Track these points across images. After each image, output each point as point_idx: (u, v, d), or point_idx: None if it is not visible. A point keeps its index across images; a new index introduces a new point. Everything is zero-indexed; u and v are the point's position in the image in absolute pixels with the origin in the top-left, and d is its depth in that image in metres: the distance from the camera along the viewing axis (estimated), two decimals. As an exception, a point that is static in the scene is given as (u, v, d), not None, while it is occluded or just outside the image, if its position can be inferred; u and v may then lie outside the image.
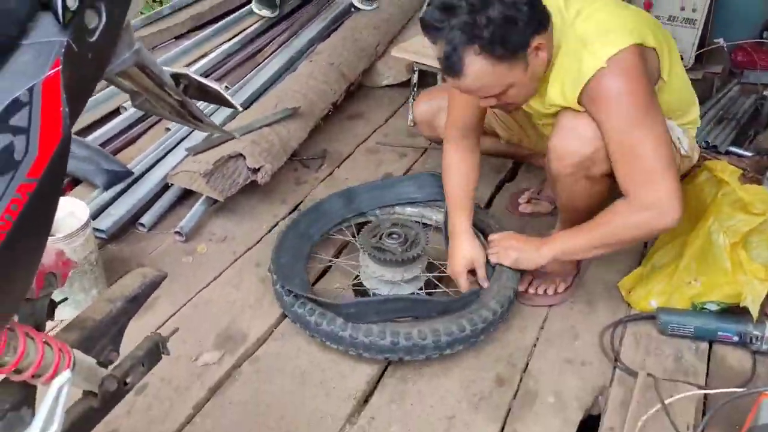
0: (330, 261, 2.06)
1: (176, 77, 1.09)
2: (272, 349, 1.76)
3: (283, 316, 1.85)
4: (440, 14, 1.45)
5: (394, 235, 1.88)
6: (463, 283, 1.84)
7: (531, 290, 1.89)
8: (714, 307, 1.75)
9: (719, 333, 1.74)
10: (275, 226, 2.22)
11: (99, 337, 1.00)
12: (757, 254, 1.74)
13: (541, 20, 1.50)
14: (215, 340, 1.77)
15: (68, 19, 0.70)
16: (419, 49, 2.80)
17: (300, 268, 1.91)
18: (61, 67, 0.69)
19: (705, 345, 1.77)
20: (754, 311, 1.66)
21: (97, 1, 0.75)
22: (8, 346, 0.79)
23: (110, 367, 1.02)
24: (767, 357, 1.73)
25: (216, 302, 1.90)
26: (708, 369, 1.71)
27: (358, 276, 1.96)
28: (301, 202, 2.35)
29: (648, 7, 3.00)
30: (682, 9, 2.87)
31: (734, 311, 1.73)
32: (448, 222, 1.92)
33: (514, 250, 1.79)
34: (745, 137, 2.72)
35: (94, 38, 0.75)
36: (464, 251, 1.84)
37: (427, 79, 2.99)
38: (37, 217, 0.69)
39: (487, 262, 1.84)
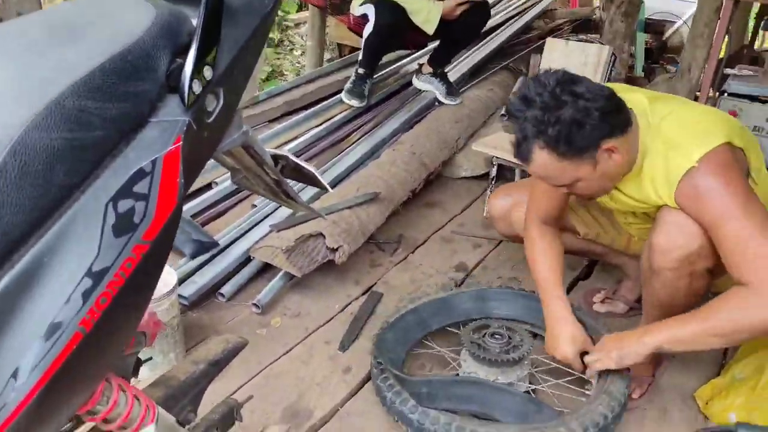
0: (437, 350, 2.00)
1: (275, 158, 1.17)
2: (337, 429, 1.77)
3: (350, 395, 1.87)
4: (520, 104, 1.57)
5: (497, 336, 1.86)
6: (577, 365, 1.77)
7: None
8: (799, 428, 1.65)
9: (803, 455, 1.63)
10: (348, 305, 2.27)
11: (181, 396, 1.04)
12: None
13: (616, 125, 1.56)
14: (282, 413, 1.80)
15: (192, 102, 0.78)
16: (499, 144, 2.88)
17: (401, 350, 1.92)
18: (181, 143, 0.77)
19: (788, 467, 1.66)
20: (844, 436, 1.56)
21: (217, 87, 0.83)
22: (103, 396, 0.84)
23: (187, 427, 1.06)
24: None
25: (285, 376, 1.94)
26: (792, 494, 1.60)
27: (456, 371, 1.93)
28: (374, 284, 2.40)
29: (733, 116, 2.99)
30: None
31: (822, 434, 1.63)
32: (543, 309, 1.86)
33: (616, 348, 1.68)
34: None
35: (211, 119, 0.83)
36: (571, 332, 1.77)
37: (505, 173, 3.05)
38: (146, 277, 0.76)
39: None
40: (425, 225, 2.83)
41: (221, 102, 0.84)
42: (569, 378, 1.85)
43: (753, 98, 2.90)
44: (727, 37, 3.39)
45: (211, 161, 1.08)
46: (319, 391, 1.89)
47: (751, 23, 4.38)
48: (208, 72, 0.80)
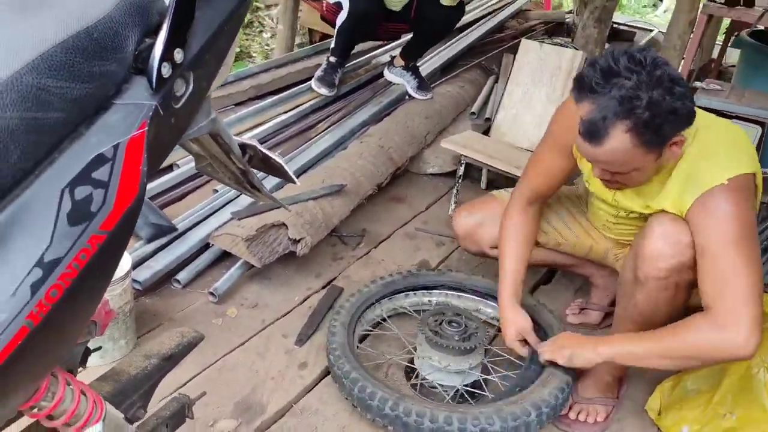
0: (394, 333, 2.06)
1: (243, 147, 1.12)
2: (289, 425, 1.73)
3: (305, 392, 1.83)
4: (602, 78, 1.41)
5: (454, 324, 1.88)
6: (521, 351, 1.84)
7: (572, 415, 1.83)
8: (748, 443, 1.68)
9: (752, 471, 1.66)
10: (307, 298, 2.23)
11: (131, 392, 1.00)
12: (797, 394, 1.68)
13: (690, 116, 1.47)
14: (234, 408, 1.75)
15: (160, 86, 0.74)
16: (468, 143, 2.87)
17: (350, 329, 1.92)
18: (147, 128, 0.72)
19: (736, 481, 1.69)
20: (791, 453, 1.59)
21: (188, 72, 0.79)
22: (48, 391, 0.79)
23: (135, 425, 1.02)
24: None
25: (239, 369, 1.89)
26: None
27: (411, 354, 1.98)
28: (335, 278, 2.36)
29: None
30: None
31: (770, 450, 1.66)
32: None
33: (569, 347, 1.71)
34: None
35: (179, 105, 0.79)
36: (512, 321, 1.84)
37: (472, 171, 3.04)
38: (102, 269, 0.71)
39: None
40: (390, 220, 2.80)
41: (191, 87, 0.80)
42: (517, 371, 1.90)
43: (720, 113, 2.93)
44: (699, 50, 3.45)
45: (175, 144, 1.04)
46: (274, 385, 1.85)
47: (721, 38, 4.46)
48: (178, 55, 0.75)
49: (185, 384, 1.79)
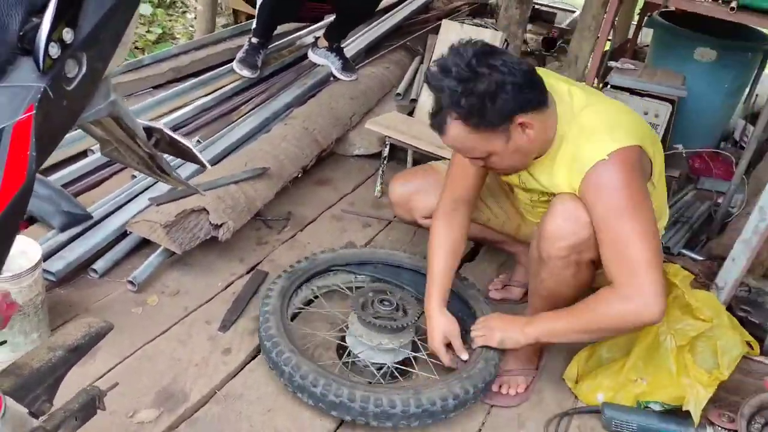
0: (327, 311, 2.08)
1: (149, 130, 1.09)
2: (213, 412, 1.72)
3: (229, 377, 1.82)
4: (438, 73, 1.56)
5: (386, 302, 1.90)
6: (444, 357, 1.84)
7: (494, 388, 1.88)
8: (658, 407, 1.77)
9: (661, 433, 1.75)
10: (230, 285, 2.20)
11: (34, 385, 0.96)
12: (702, 360, 1.78)
13: (531, 100, 1.58)
14: (155, 397, 1.72)
15: (48, 67, 0.70)
16: (392, 124, 2.87)
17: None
18: (34, 112, 0.69)
19: (647, 444, 1.77)
20: (696, 416, 1.68)
21: (79, 52, 0.75)
22: (-63, 389, 0.76)
23: (41, 418, 0.98)
24: (707, 462, 1.74)
25: (161, 357, 1.85)
26: (649, 469, 1.71)
27: (342, 330, 2.00)
28: (260, 262, 2.34)
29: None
30: (645, 114, 3.00)
31: (677, 413, 1.74)
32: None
33: (499, 330, 1.78)
34: (698, 241, 2.82)
35: (71, 87, 0.76)
36: (439, 326, 1.84)
37: (397, 153, 3.05)
38: (-13, 259, 0.68)
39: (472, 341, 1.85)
40: (315, 203, 2.78)
41: (84, 68, 0.77)
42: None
43: (632, 91, 3.04)
44: (612, 30, 3.54)
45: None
46: (197, 372, 1.82)
47: (636, 18, 4.60)
48: (68, 35, 0.72)
49: (103, 376, 1.74)
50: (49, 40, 0.70)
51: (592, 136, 1.63)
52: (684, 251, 2.68)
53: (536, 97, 1.60)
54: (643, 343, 1.83)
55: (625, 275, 1.57)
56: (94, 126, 1.02)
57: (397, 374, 1.88)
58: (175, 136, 1.09)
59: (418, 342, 1.96)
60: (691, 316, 1.83)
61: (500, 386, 1.88)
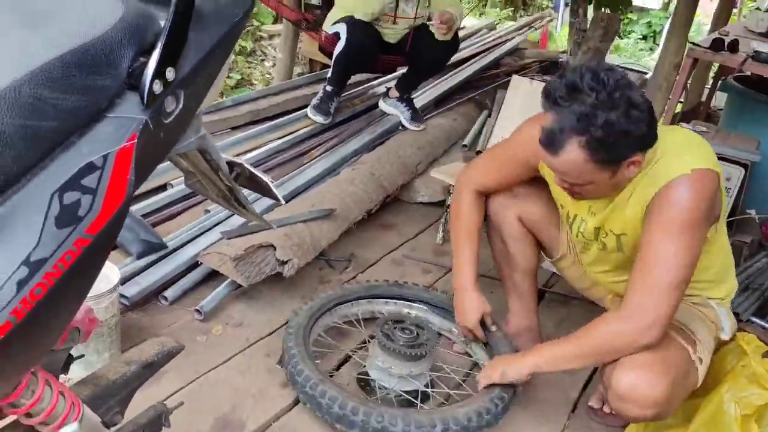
0: (344, 351, 2.11)
1: (231, 165, 1.17)
2: (267, 443, 1.76)
3: (284, 411, 1.86)
4: (566, 92, 1.47)
5: (407, 331, 1.93)
6: (479, 332, 1.91)
7: (606, 409, 1.91)
8: (719, 476, 1.71)
9: (722, 504, 1.68)
10: (292, 320, 2.25)
11: (109, 396, 1.03)
12: (768, 430, 1.71)
13: (649, 140, 1.54)
14: (214, 423, 1.77)
15: (151, 102, 0.78)
16: (457, 173, 2.91)
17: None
18: (136, 141, 0.77)
19: None
20: (760, 487, 1.62)
21: (178, 90, 0.83)
22: (27, 389, 0.82)
23: (112, 429, 1.04)
24: None
25: (221, 386, 1.91)
26: None
27: (364, 366, 2.02)
28: (321, 301, 2.39)
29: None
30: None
31: (739, 484, 1.68)
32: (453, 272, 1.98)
33: (501, 364, 1.79)
34: (768, 309, 2.72)
35: (168, 120, 0.83)
36: (473, 303, 1.91)
37: (461, 203, 3.08)
38: (85, 271, 0.75)
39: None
40: (378, 246, 2.84)
41: (181, 104, 0.84)
42: (458, 391, 1.98)
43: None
44: (684, 92, 3.53)
45: (168, 162, 1.08)
46: (254, 403, 1.87)
47: (710, 81, 4.56)
48: (170, 73, 0.80)
49: (167, 398, 1.81)
50: (153, 78, 0.77)
51: (676, 155, 1.59)
52: (753, 318, 2.59)
53: (654, 137, 1.55)
54: (706, 410, 1.78)
55: (638, 292, 1.55)
56: (182, 158, 1.11)
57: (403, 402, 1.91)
58: (255, 171, 1.16)
59: (434, 379, 2.00)
60: (758, 386, 1.77)
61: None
